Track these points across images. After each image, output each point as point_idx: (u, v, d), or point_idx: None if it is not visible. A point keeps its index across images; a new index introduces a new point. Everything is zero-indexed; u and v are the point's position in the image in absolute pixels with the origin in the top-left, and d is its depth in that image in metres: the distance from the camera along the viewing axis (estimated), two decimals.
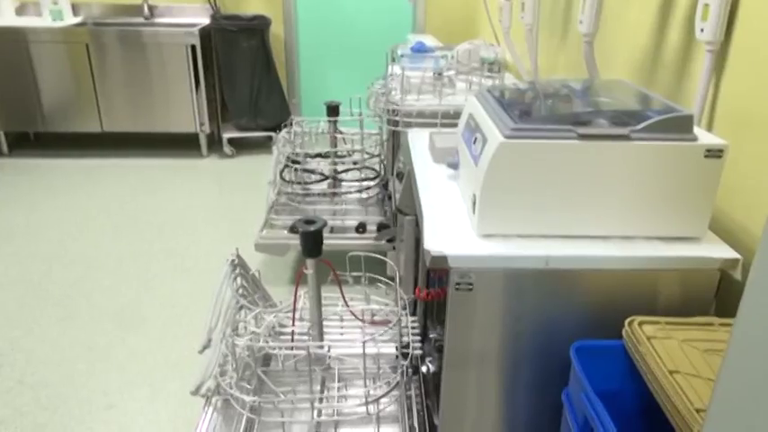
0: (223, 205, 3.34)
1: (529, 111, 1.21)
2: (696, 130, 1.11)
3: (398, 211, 1.71)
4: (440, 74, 2.37)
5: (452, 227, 1.18)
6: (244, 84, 4.04)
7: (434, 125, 1.95)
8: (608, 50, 1.80)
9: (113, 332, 2.21)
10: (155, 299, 2.42)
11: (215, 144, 4.29)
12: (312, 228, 1.34)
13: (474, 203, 1.15)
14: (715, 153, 1.08)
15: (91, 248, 2.82)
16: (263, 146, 4.34)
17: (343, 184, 2.60)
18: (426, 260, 1.10)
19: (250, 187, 3.60)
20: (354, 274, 1.60)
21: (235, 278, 1.54)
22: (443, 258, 1.08)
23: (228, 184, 3.65)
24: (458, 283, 1.10)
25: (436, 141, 1.58)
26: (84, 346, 2.13)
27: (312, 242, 1.34)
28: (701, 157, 1.08)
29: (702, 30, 1.28)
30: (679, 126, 1.08)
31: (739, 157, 1.23)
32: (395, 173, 1.84)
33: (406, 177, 1.67)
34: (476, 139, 1.22)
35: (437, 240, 1.12)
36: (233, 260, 1.54)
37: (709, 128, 1.33)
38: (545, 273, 1.11)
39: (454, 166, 1.42)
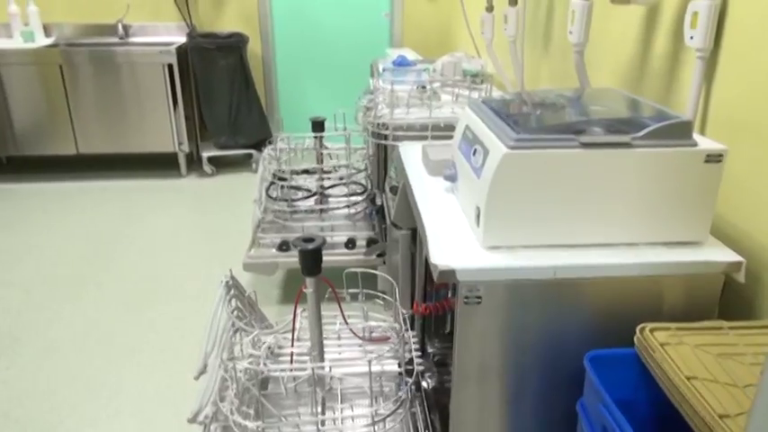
0: (206, 225, 3.29)
1: (527, 121, 1.21)
2: (695, 135, 1.12)
3: (393, 225, 1.70)
4: (423, 87, 2.38)
5: (456, 240, 1.17)
6: (222, 102, 4.00)
7: (424, 138, 1.94)
8: (594, 59, 1.82)
9: (98, 360, 2.14)
10: (140, 325, 2.36)
11: (194, 163, 4.24)
12: (311, 246, 1.31)
13: (478, 216, 1.14)
14: (715, 158, 1.09)
15: (70, 275, 2.74)
16: (244, 163, 4.30)
17: (331, 199, 2.57)
18: (434, 274, 1.08)
19: (232, 206, 3.55)
20: (351, 291, 1.58)
21: (229, 300, 1.51)
22: (451, 272, 1.06)
23: (210, 204, 3.60)
24: (466, 297, 1.08)
25: (430, 154, 1.57)
26: (68, 376, 2.06)
27: (311, 260, 1.32)
28: (702, 162, 1.09)
29: (692, 37, 1.30)
30: (679, 132, 1.09)
31: (733, 161, 1.25)
32: (388, 187, 1.82)
33: (401, 191, 1.65)
34: (475, 150, 1.21)
35: (443, 254, 1.11)
36: (227, 282, 1.51)
37: (702, 133, 1.34)
38: (553, 283, 1.10)
39: (451, 178, 1.41)
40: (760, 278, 1.17)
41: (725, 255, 1.12)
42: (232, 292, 1.51)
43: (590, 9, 1.54)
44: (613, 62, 1.73)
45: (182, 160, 4.05)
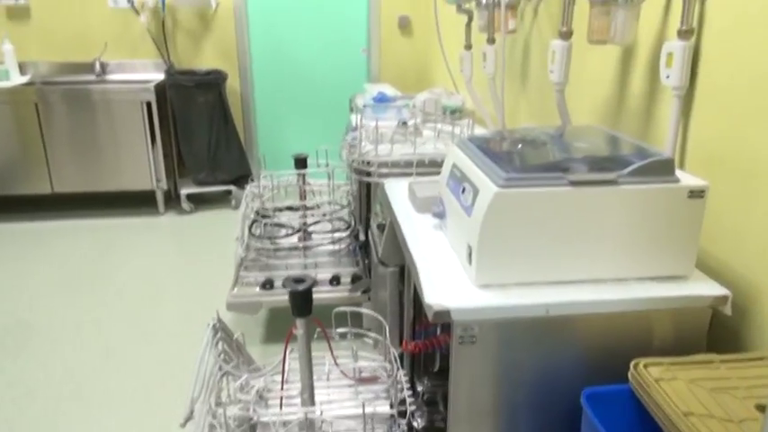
0: (185, 264, 3.24)
1: (515, 159, 1.23)
2: (677, 172, 1.15)
3: (381, 263, 1.70)
4: (405, 123, 2.41)
5: (448, 278, 1.17)
6: (201, 138, 4.00)
7: (409, 174, 1.96)
8: (574, 97, 1.87)
9: (75, 410, 2.07)
10: (119, 370, 2.29)
11: (172, 200, 4.20)
12: (301, 287, 1.30)
13: (470, 254, 1.15)
14: (697, 194, 1.12)
15: (46, 317, 2.67)
16: (223, 200, 4.27)
17: (314, 236, 2.57)
18: (428, 314, 1.08)
19: (212, 243, 3.51)
20: (340, 330, 1.56)
21: (216, 343, 1.48)
22: (446, 312, 1.06)
23: (189, 242, 3.56)
24: (461, 337, 1.08)
25: (417, 191, 1.58)
26: (45, 428, 1.98)
27: (302, 301, 1.30)
28: (685, 197, 1.12)
29: (668, 76, 1.34)
30: (662, 169, 1.12)
31: (713, 195, 1.28)
32: (375, 224, 1.82)
33: (388, 229, 1.66)
34: (464, 188, 1.23)
35: (436, 294, 1.11)
36: (214, 324, 1.48)
37: (682, 168, 1.38)
38: (545, 320, 1.10)
39: (440, 215, 1.42)
40: (746, 310, 1.20)
41: (711, 288, 1.14)
42: (219, 334, 1.49)
43: (569, 49, 1.59)
44: (592, 99, 1.78)
45: (159, 197, 4.01)
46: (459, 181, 1.27)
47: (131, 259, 3.28)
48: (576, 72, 1.83)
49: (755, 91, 1.15)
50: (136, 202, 4.16)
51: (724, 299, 1.13)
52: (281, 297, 2.28)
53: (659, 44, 1.43)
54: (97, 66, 4.11)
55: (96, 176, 3.85)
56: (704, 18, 1.28)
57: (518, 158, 1.25)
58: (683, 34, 1.29)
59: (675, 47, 1.30)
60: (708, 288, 1.14)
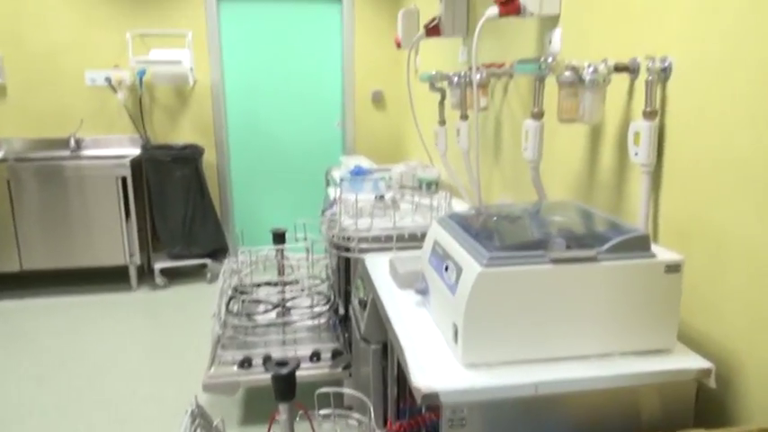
0: (160, 341, 3.15)
1: (496, 237, 1.26)
2: (652, 246, 1.18)
3: (364, 340, 1.68)
4: (382, 197, 2.44)
5: (434, 358, 1.16)
6: (177, 212, 3.98)
7: (389, 249, 1.97)
8: (547, 171, 1.94)
9: None
10: None
11: (145, 275, 4.12)
12: (284, 370, 1.28)
13: (456, 333, 1.14)
14: (674, 268, 1.15)
15: (13, 401, 2.54)
16: (198, 274, 4.21)
17: (293, 311, 2.53)
18: (416, 397, 1.06)
19: (187, 320, 3.43)
20: (323, 412, 1.52)
21: (195, 431, 1.42)
22: (435, 395, 1.05)
23: (163, 318, 3.47)
24: (450, 420, 1.06)
25: (398, 267, 1.59)
26: None
27: (285, 385, 1.27)
28: (663, 272, 1.15)
29: (637, 153, 1.40)
30: (638, 245, 1.15)
31: (688, 268, 1.31)
32: (356, 300, 1.81)
33: (371, 305, 1.65)
34: (447, 266, 1.24)
35: (424, 375, 1.09)
36: (193, 411, 1.43)
37: (655, 242, 1.42)
38: (534, 399, 1.09)
39: (423, 292, 1.42)
40: (729, 382, 1.21)
41: (694, 361, 1.15)
42: (197, 421, 1.43)
43: (541, 129, 1.66)
44: (564, 174, 1.84)
45: (132, 273, 3.93)
46: (442, 259, 1.28)
47: (103, 338, 3.17)
48: (548, 147, 1.90)
49: (718, 167, 1.21)
50: (108, 277, 4.07)
51: (708, 372, 1.14)
52: (260, 376, 2.22)
53: (626, 123, 1.50)
54: (72, 141, 4.11)
55: (67, 253, 3.78)
56: (666, 100, 1.36)
57: (499, 236, 1.27)
58: (648, 115, 1.36)
59: (642, 126, 1.37)
60: (691, 361, 1.15)
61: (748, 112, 1.13)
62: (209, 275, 4.12)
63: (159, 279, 3.99)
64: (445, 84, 2.49)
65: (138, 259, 3.88)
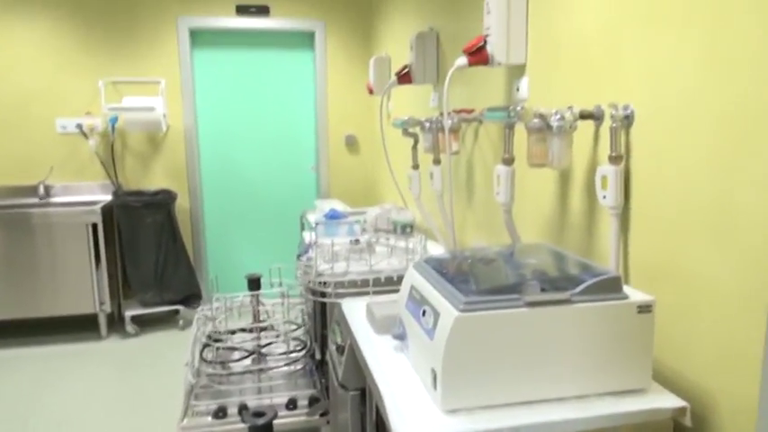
0: (130, 392, 3.05)
1: (472, 282, 1.27)
2: (624, 288, 1.21)
3: (341, 386, 1.66)
4: (357, 240, 2.45)
5: (414, 404, 1.16)
6: (148, 258, 3.92)
7: (365, 293, 1.97)
8: (519, 213, 1.98)
9: None
10: None
11: (116, 323, 4.02)
12: (261, 420, 1.25)
13: (435, 378, 1.15)
14: (645, 308, 1.18)
15: None
16: (170, 320, 4.13)
17: (269, 358, 2.49)
18: None
19: (159, 369, 3.35)
20: None
21: None
22: None
23: (134, 368, 3.37)
24: None
25: (375, 312, 1.59)
26: None
27: None
28: (635, 313, 1.17)
29: (605, 196, 1.45)
30: (610, 287, 1.18)
31: (660, 308, 1.35)
32: (334, 346, 1.80)
33: (348, 350, 1.64)
34: (425, 311, 1.25)
35: (404, 422, 1.09)
36: None
37: (627, 283, 1.46)
38: None
39: (400, 337, 1.42)
40: (704, 419, 1.23)
41: (669, 401, 1.17)
42: None
43: (513, 173, 1.71)
44: (536, 216, 1.88)
45: (102, 321, 3.83)
46: (419, 304, 1.30)
47: (71, 390, 3.06)
48: (519, 191, 1.94)
49: (683, 210, 1.26)
50: (76, 326, 3.97)
51: (683, 410, 1.16)
52: (236, 426, 2.16)
53: (594, 167, 1.56)
54: (41, 189, 4.05)
55: (34, 302, 3.68)
56: (631, 145, 1.42)
57: (474, 280, 1.29)
58: (614, 160, 1.41)
59: (608, 171, 1.42)
60: (667, 400, 1.17)
61: (708, 158, 1.19)
62: (181, 322, 4.04)
63: (130, 327, 3.89)
64: (418, 128, 2.54)
65: (108, 307, 3.79)
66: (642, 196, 1.39)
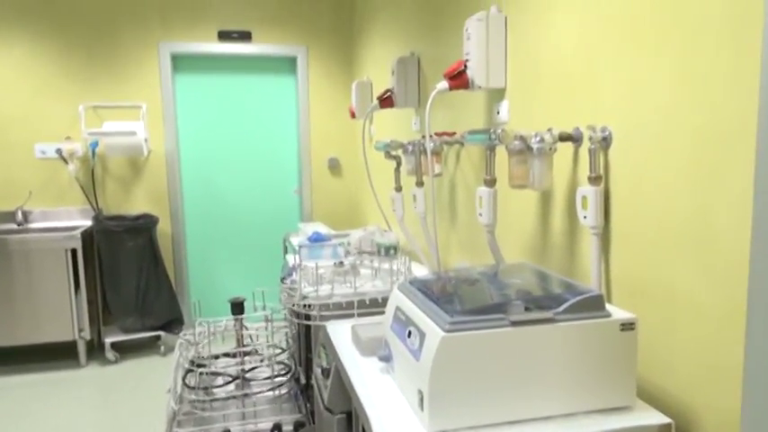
0: (111, 420, 2.98)
1: (456, 302, 1.28)
2: (607, 306, 1.23)
3: (327, 410, 1.65)
4: (341, 263, 2.45)
5: (401, 426, 1.16)
6: (129, 283, 3.87)
7: (350, 315, 1.97)
8: (500, 234, 2.00)
9: None
10: None
11: (95, 350, 3.95)
12: None
13: (421, 399, 1.15)
14: (628, 326, 1.20)
15: None
16: (151, 346, 4.06)
17: (253, 383, 2.46)
18: None
19: (140, 396, 3.28)
20: None
21: None
22: None
23: (114, 395, 3.31)
24: None
25: (360, 334, 1.59)
26: None
27: None
28: (618, 330, 1.19)
29: (585, 216, 1.48)
30: (593, 305, 1.20)
31: (642, 326, 1.37)
32: (319, 369, 1.79)
33: (334, 374, 1.63)
34: (410, 332, 1.25)
35: None
36: None
37: (609, 302, 1.48)
38: None
39: (386, 359, 1.42)
40: None
41: (654, 418, 1.18)
42: None
43: (495, 195, 1.73)
44: (518, 236, 1.90)
45: (81, 348, 3.76)
46: (405, 325, 1.30)
47: (50, 419, 2.99)
48: (502, 212, 1.97)
49: (662, 228, 1.29)
50: (55, 354, 3.88)
51: (668, 427, 1.17)
52: None
53: (574, 188, 1.59)
54: (19, 214, 3.99)
55: (10, 330, 3.60)
56: (609, 166, 1.45)
57: (459, 300, 1.30)
58: (593, 180, 1.44)
59: (588, 191, 1.45)
60: (652, 417, 1.18)
61: (685, 176, 1.22)
62: (162, 348, 3.98)
63: (110, 354, 3.82)
64: (400, 151, 2.57)
65: (87, 334, 3.72)
66: (622, 215, 1.42)
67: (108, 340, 3.84)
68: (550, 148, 1.54)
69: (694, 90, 1.18)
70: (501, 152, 1.92)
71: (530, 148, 1.55)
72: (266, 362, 2.50)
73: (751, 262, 0.93)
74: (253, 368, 2.53)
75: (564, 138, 1.55)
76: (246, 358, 2.48)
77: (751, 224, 1.07)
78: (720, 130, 1.12)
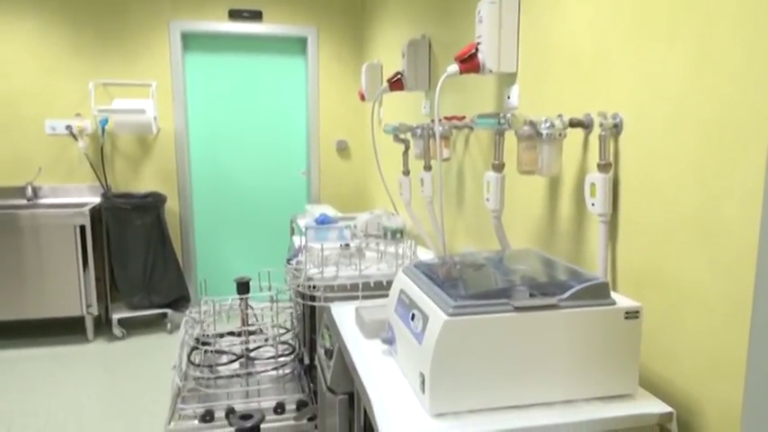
0: (117, 395, 3.03)
1: (461, 286, 1.28)
2: (612, 294, 1.22)
3: (330, 390, 1.66)
4: (347, 245, 2.46)
5: (402, 408, 1.16)
6: (137, 261, 3.90)
7: (354, 297, 1.97)
8: (507, 220, 1.99)
9: None
10: None
11: (102, 326, 3.99)
12: (248, 424, 1.25)
13: (423, 382, 1.15)
14: (633, 314, 1.19)
15: None
16: (157, 323, 4.10)
17: (257, 362, 2.48)
18: None
19: (146, 372, 3.32)
20: None
21: None
22: None
23: (121, 371, 3.35)
24: None
25: (364, 316, 1.59)
26: None
27: None
28: (622, 318, 1.19)
29: (593, 204, 1.46)
30: (598, 292, 1.19)
31: (647, 315, 1.36)
32: (322, 350, 1.80)
33: (337, 354, 1.64)
34: (413, 315, 1.25)
35: (392, 426, 1.09)
36: None
37: (614, 289, 1.47)
38: None
39: (389, 341, 1.42)
40: (689, 426, 1.24)
41: (656, 406, 1.18)
42: None
43: (503, 180, 1.72)
44: (525, 222, 1.89)
45: (89, 324, 3.80)
46: (408, 308, 1.30)
47: (56, 394, 3.03)
48: (509, 197, 1.96)
49: (670, 218, 1.27)
50: (63, 329, 3.93)
51: (669, 416, 1.17)
52: (222, 430, 2.15)
53: (583, 175, 1.57)
54: (29, 190, 4.02)
55: (20, 304, 3.64)
56: (619, 154, 1.43)
57: (464, 285, 1.30)
58: (603, 167, 1.42)
59: (597, 178, 1.43)
60: (653, 406, 1.18)
61: (695, 166, 1.20)
62: (169, 325, 4.01)
63: (117, 330, 3.86)
64: (409, 135, 2.55)
65: (95, 310, 3.76)
66: (630, 204, 1.41)
67: (115, 316, 3.88)
68: (560, 134, 1.53)
69: (707, 80, 1.16)
70: (510, 137, 1.90)
71: (539, 134, 1.54)
72: (270, 341, 2.51)
73: (759, 255, 0.92)
74: (257, 347, 2.55)
75: (574, 124, 1.53)
76: (251, 337, 2.50)
77: (760, 218, 1.06)
78: (732, 121, 1.11)
